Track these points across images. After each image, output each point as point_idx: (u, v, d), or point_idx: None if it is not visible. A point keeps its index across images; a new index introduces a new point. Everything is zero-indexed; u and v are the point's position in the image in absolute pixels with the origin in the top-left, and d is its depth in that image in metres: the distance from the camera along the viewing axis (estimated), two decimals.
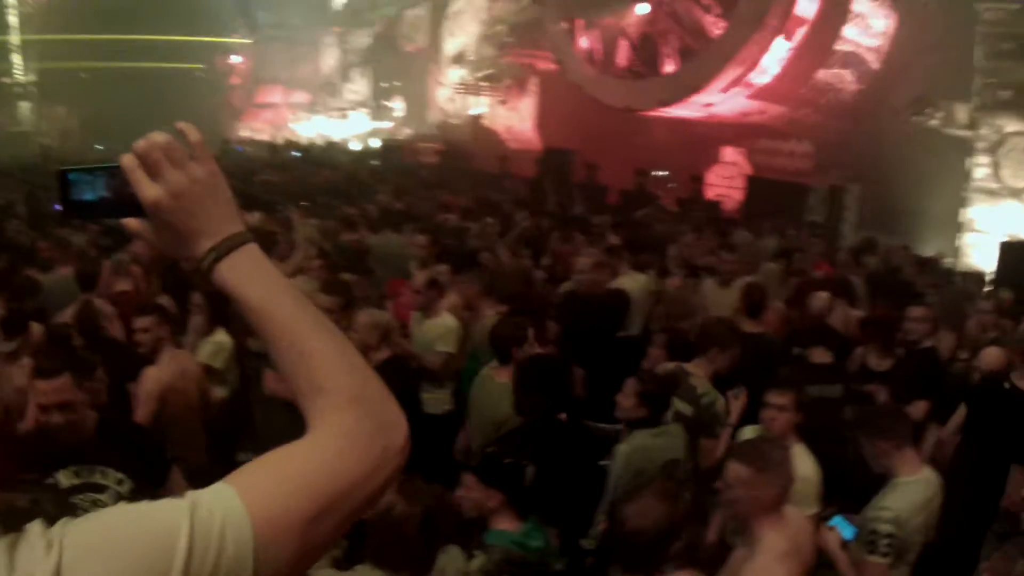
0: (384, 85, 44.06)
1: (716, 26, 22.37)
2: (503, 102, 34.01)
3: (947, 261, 17.05)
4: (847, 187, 20.71)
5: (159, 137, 1.54)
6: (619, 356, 7.99)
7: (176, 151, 1.54)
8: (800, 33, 21.71)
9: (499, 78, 34.08)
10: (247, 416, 8.10)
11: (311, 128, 45.86)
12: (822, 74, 23.31)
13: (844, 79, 23.69)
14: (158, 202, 1.52)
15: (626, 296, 9.39)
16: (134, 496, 4.48)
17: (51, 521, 1.27)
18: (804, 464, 5.57)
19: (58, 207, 1.63)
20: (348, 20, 47.42)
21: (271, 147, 35.82)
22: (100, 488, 4.35)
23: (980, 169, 19.79)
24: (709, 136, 26.33)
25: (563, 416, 6.14)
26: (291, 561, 1.36)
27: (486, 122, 34.65)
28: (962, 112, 20.15)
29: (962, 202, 20.05)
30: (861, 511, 5.29)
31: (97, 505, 4.32)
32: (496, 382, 6.64)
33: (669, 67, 23.28)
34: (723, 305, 9.59)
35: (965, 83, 19.95)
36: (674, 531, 4.14)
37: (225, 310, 7.65)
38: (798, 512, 4.79)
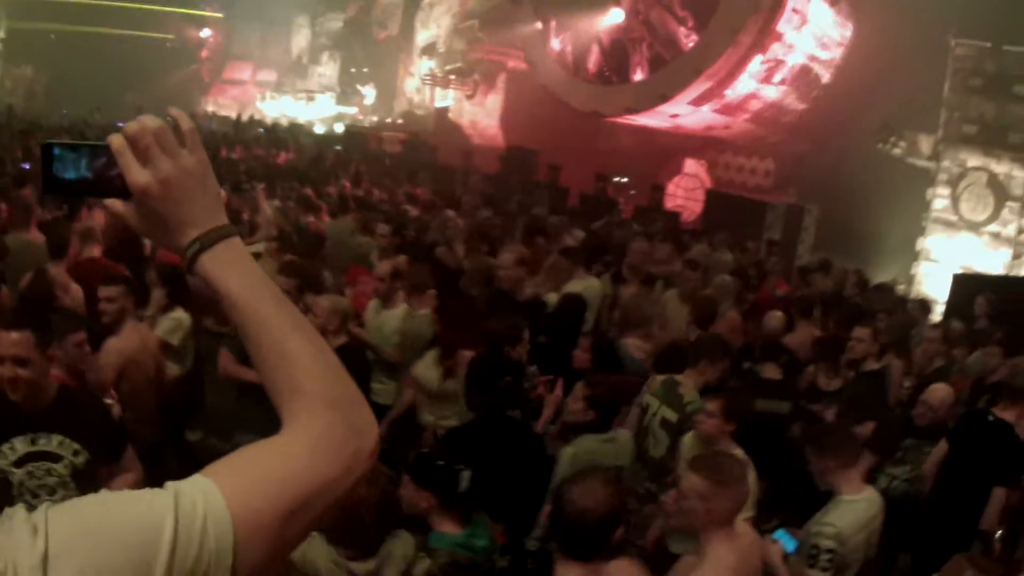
0: (352, 71, 43.92)
1: (689, 39, 22.47)
2: (470, 97, 34.01)
3: (901, 288, 17.26)
4: (806, 207, 20.90)
5: (151, 122, 1.52)
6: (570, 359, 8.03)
7: (167, 138, 1.52)
8: (774, 51, 21.86)
9: (468, 72, 34.07)
10: (199, 395, 8.09)
11: (277, 108, 45.59)
12: (788, 93, 23.51)
13: (809, 99, 23.95)
14: (147, 188, 1.50)
15: (582, 300, 9.44)
16: (88, 468, 4.50)
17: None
18: None
19: (42, 181, 1.57)
20: (321, 2, 47.20)
21: (236, 124, 35.62)
22: (56, 457, 4.35)
23: (940, 200, 20.13)
24: (672, 147, 26.48)
25: (516, 414, 6.18)
26: (265, 557, 1.36)
27: (452, 115, 34.64)
28: (926, 143, 20.44)
29: (920, 231, 20.34)
30: (804, 525, 5.40)
31: (51, 475, 4.35)
32: None
33: (639, 75, 23.35)
34: (683, 319, 9.72)
35: (932, 115, 20.22)
36: (617, 518, 4.18)
37: (183, 287, 7.64)
38: (749, 528, 4.86)
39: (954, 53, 19.89)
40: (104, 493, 1.30)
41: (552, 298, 9.72)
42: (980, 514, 6.93)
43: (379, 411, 7.52)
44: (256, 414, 6.83)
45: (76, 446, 4.40)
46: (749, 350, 9.10)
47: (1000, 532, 6.84)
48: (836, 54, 23.60)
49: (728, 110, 23.15)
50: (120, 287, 6.61)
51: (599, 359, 7.32)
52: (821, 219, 20.98)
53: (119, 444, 4.75)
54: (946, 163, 20.18)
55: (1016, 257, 19.29)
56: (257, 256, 7.78)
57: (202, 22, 50.71)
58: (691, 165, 26.49)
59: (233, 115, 39.76)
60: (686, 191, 25.59)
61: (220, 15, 50.47)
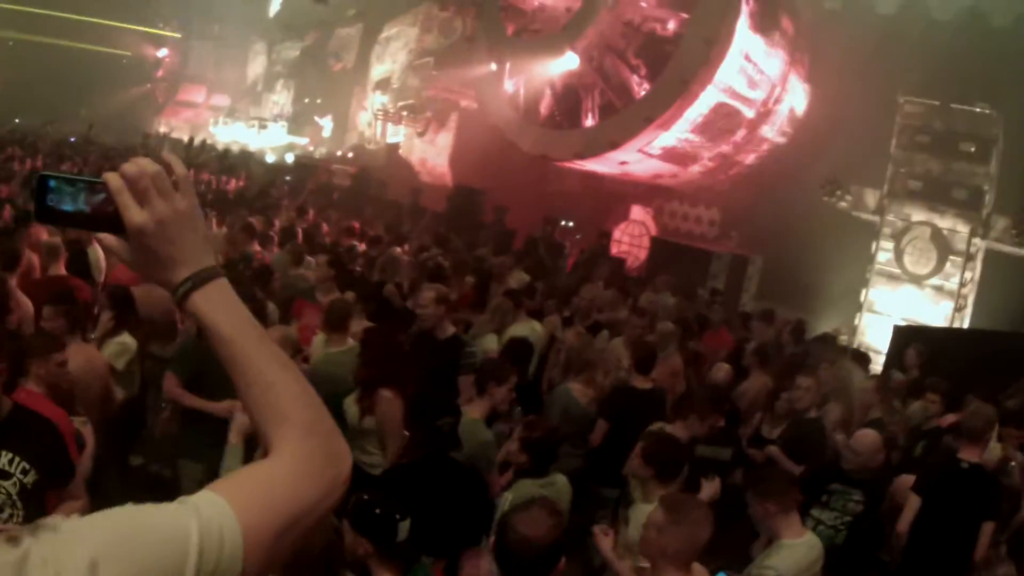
0: (306, 100, 43.83)
1: (641, 87, 22.62)
2: (421, 134, 34.06)
3: (843, 338, 17.44)
4: (751, 257, 21.09)
5: (150, 166, 1.61)
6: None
7: (164, 181, 1.62)
8: (718, 103, 22.07)
9: (420, 110, 34.13)
10: (142, 420, 8.03)
11: (229, 134, 45.37)
12: (736, 145, 23.73)
13: (758, 153, 24.21)
14: (143, 228, 1.61)
15: (528, 344, 9.48)
16: (36, 489, 4.46)
17: None
18: None
19: (35, 209, 1.67)
20: (279, 29, 47.13)
21: (188, 147, 35.47)
22: (5, 475, 4.32)
23: (884, 253, 20.47)
24: (619, 192, 26.62)
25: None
26: (262, 569, 1.48)
27: (402, 152, 34.65)
28: (872, 197, 20.78)
29: (864, 283, 20.62)
30: (745, 569, 5.46)
31: None
32: (469, 418, 6.66)
33: (589, 121, 23.44)
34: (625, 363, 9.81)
35: (878, 170, 20.52)
36: (560, 548, 4.22)
37: (131, 311, 7.60)
38: (704, 573, 4.93)
39: (903, 110, 20.24)
40: (129, 506, 1.39)
41: (493, 339, 9.76)
42: (968, 553, 7.06)
43: None
44: (198, 441, 6.86)
45: (26, 465, 4.38)
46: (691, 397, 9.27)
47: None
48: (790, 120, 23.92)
49: (676, 159, 23.30)
50: (62, 308, 6.57)
51: (520, 400, 7.35)
52: (765, 269, 21.23)
53: (69, 469, 4.72)
54: (891, 217, 20.53)
55: (958, 310, 19.58)
56: None
57: (159, 41, 50.45)
58: (638, 212, 26.63)
59: (185, 138, 39.59)
60: (632, 238, 25.73)
61: (178, 35, 50.24)
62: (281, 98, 46.47)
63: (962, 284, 19.67)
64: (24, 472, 4.36)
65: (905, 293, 20.24)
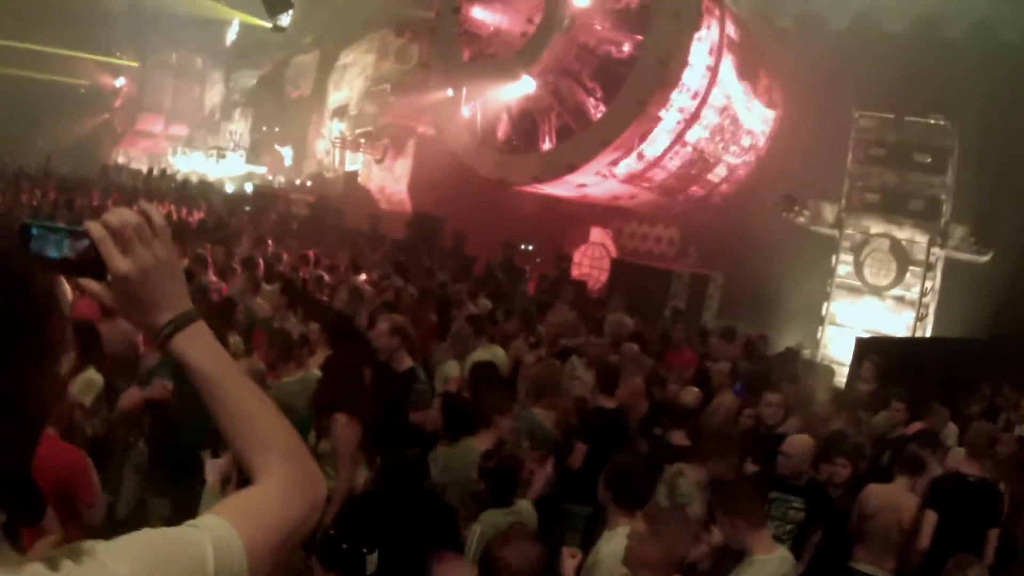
0: (264, 129, 43.74)
1: (597, 109, 22.68)
2: (379, 161, 34.02)
3: (807, 352, 17.53)
4: (711, 275, 21.18)
5: (132, 217, 1.71)
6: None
7: (145, 231, 1.72)
8: (676, 121, 22.16)
9: (378, 136, 34.11)
10: (107, 456, 7.95)
11: (188, 164, 45.20)
12: (693, 165, 23.84)
13: (718, 172, 24.34)
14: (127, 275, 1.70)
15: (494, 367, 9.46)
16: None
17: None
18: None
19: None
20: (236, 58, 47.06)
21: (147, 178, 35.37)
22: None
23: (843, 266, 20.67)
24: (578, 215, 26.67)
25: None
26: None
27: (360, 179, 34.59)
28: (830, 211, 20.96)
29: (825, 296, 20.76)
30: None
31: None
32: (476, 448, 6.67)
33: (546, 145, 23.47)
34: (587, 383, 9.80)
35: (835, 184, 20.68)
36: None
37: (97, 346, 7.54)
38: None
39: (857, 124, 20.44)
40: (149, 530, 1.53)
41: (454, 367, 9.74)
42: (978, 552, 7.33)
43: None
44: (166, 478, 6.81)
45: None
46: (656, 416, 9.31)
47: None
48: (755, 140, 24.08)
49: (634, 180, 23.36)
50: None
51: (449, 421, 7.30)
52: (726, 286, 21.32)
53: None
54: (849, 230, 20.78)
55: (920, 319, 19.75)
56: None
57: (116, 70, 50.21)
58: (597, 234, 26.70)
59: (144, 168, 39.41)
60: (592, 260, 25.81)
61: (135, 64, 50.01)
62: (239, 127, 46.36)
63: (923, 294, 19.87)
64: None
65: (866, 305, 20.43)
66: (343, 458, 6.70)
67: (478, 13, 24.11)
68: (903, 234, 20.02)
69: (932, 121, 19.73)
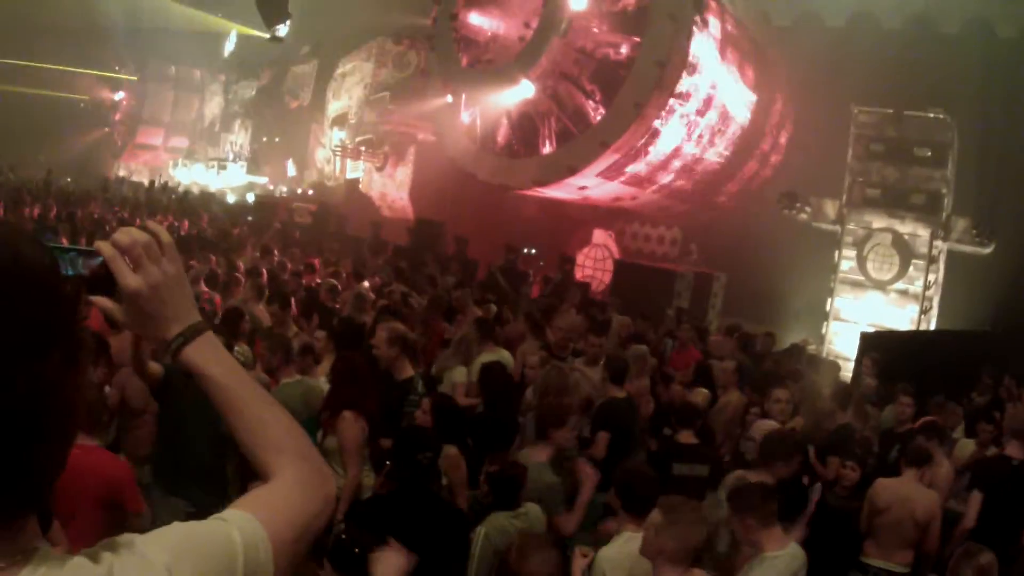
0: (264, 139, 43.76)
1: (596, 112, 22.69)
2: (380, 168, 34.06)
3: (812, 348, 17.56)
4: (715, 274, 21.21)
5: (141, 236, 1.77)
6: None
7: (153, 249, 1.78)
8: (678, 123, 22.20)
9: (378, 144, 34.15)
10: None
11: (188, 176, 45.23)
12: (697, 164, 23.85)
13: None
14: (138, 291, 1.77)
15: (503, 367, 9.51)
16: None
17: None
18: None
19: None
20: (234, 69, 47.08)
21: (149, 190, 35.41)
22: None
23: (846, 262, 20.65)
24: (580, 217, 26.68)
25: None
26: (284, 573, 1.71)
27: (362, 187, 34.61)
28: (831, 207, 20.96)
29: (829, 292, 20.78)
30: None
31: None
32: (534, 461, 6.74)
33: (546, 148, 23.47)
34: (588, 384, 9.82)
35: (836, 180, 20.70)
36: None
37: (105, 358, 7.56)
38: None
39: (857, 120, 20.46)
40: (180, 524, 1.61)
41: (462, 372, 9.76)
42: (1016, 537, 7.69)
43: None
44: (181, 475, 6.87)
45: None
46: (664, 416, 9.36)
47: None
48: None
49: (635, 181, 23.38)
50: None
51: (440, 420, 7.32)
52: (730, 285, 21.35)
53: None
54: (851, 226, 20.80)
55: (924, 312, 19.78)
56: None
57: (116, 84, 50.22)
58: (599, 235, 26.73)
59: (145, 181, 39.44)
60: (595, 261, 25.84)
61: (134, 78, 50.01)
62: (239, 138, 46.39)
63: (926, 287, 19.87)
64: None
65: (870, 299, 20.44)
66: (350, 454, 6.92)
67: (475, 19, 24.13)
68: (905, 228, 20.05)
69: (931, 115, 19.76)
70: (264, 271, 14.71)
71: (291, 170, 41.43)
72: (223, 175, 43.53)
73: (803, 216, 21.18)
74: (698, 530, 4.87)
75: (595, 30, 22.90)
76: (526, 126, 24.04)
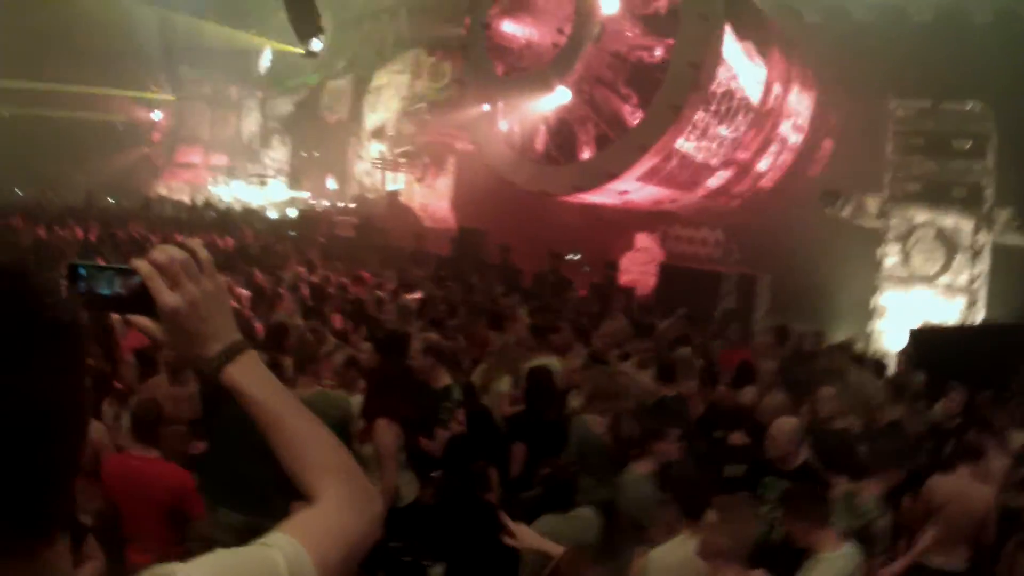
0: (303, 154, 43.91)
1: (633, 116, 22.69)
2: (420, 179, 34.17)
3: (859, 346, 17.51)
4: (759, 275, 21.17)
5: (178, 253, 1.77)
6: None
7: (192, 266, 1.78)
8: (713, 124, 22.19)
9: (417, 155, 34.27)
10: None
11: (229, 192, 45.48)
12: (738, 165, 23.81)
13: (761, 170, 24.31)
14: (177, 309, 1.76)
15: (548, 371, 9.54)
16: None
17: None
18: None
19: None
20: (271, 85, 47.30)
21: (191, 208, 35.67)
22: None
23: (890, 258, 20.57)
24: (622, 222, 26.65)
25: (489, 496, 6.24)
26: None
27: (403, 198, 34.70)
28: (873, 203, 20.92)
29: (873, 289, 20.70)
30: None
31: None
32: (635, 473, 6.86)
33: (585, 154, 23.49)
34: (637, 387, 9.88)
35: (876, 176, 20.64)
36: None
37: (152, 374, 7.70)
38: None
39: (894, 115, 20.40)
40: (223, 550, 1.59)
41: (506, 382, 9.79)
42: None
43: None
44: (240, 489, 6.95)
45: None
46: (715, 418, 9.47)
47: None
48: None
49: (678, 184, 23.38)
50: None
51: (472, 426, 7.41)
52: (775, 285, 21.28)
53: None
54: (894, 221, 20.70)
55: (970, 305, 19.69)
56: None
57: (153, 104, 50.47)
58: (643, 239, 26.70)
59: (187, 199, 39.70)
60: (639, 266, 25.79)
61: (171, 97, 50.25)
62: (278, 153, 46.53)
63: (971, 280, 19.78)
64: None
65: (916, 294, 20.35)
66: (386, 459, 6.97)
67: (508, 27, 24.14)
68: (948, 221, 19.99)
69: (969, 106, 19.68)
70: (307, 285, 14.84)
71: (332, 184, 41.54)
72: (264, 191, 43.74)
73: (844, 213, 21.13)
74: (751, 525, 4.99)
75: (628, 34, 22.88)
76: (564, 132, 24.03)
